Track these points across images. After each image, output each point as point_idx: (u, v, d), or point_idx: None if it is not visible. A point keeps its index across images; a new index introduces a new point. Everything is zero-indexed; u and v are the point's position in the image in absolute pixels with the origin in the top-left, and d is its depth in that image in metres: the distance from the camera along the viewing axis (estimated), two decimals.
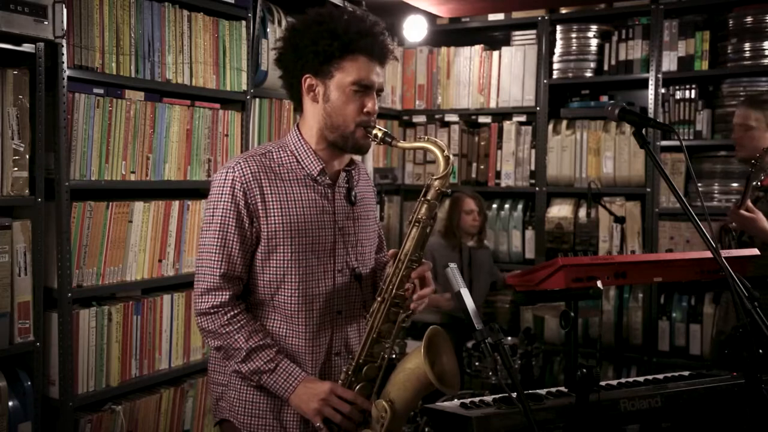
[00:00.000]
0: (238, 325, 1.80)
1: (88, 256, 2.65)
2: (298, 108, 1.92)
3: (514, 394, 1.84)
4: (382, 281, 1.83)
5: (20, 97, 2.40)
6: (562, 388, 2.25)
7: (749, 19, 3.96)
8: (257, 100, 3.44)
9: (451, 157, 1.81)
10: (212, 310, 1.81)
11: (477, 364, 3.63)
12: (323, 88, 1.82)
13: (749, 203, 2.88)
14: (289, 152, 1.87)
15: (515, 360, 3.57)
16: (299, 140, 1.88)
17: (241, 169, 1.80)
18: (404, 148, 1.95)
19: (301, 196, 1.84)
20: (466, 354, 3.67)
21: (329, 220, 1.87)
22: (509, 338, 3.80)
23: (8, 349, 2.40)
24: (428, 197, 1.81)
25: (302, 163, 1.86)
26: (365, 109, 1.81)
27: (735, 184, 4.02)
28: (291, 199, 1.82)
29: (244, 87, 3.32)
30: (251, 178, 1.79)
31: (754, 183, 2.98)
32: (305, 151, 1.86)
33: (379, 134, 1.80)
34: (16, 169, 2.41)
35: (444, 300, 3.91)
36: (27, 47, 2.40)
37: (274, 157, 1.86)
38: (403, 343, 3.61)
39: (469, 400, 2.15)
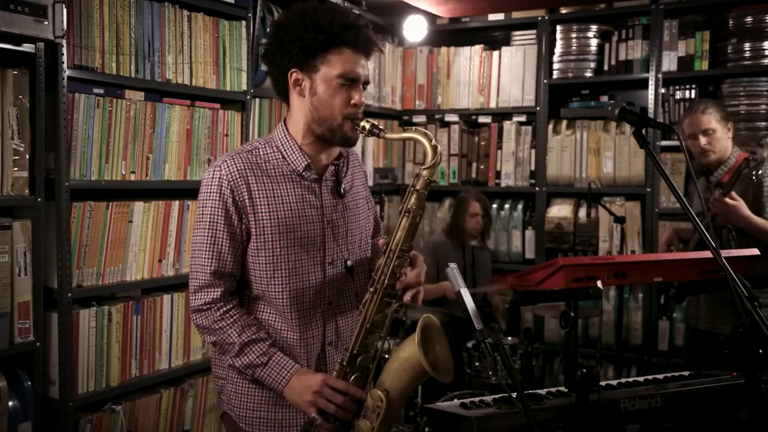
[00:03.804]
0: (231, 320, 1.82)
1: (88, 256, 2.65)
2: (286, 103, 1.93)
3: (514, 394, 1.84)
4: (374, 272, 1.84)
5: (20, 97, 2.40)
6: (562, 388, 2.25)
7: (749, 19, 3.96)
8: (257, 100, 3.44)
9: (438, 146, 1.82)
10: (205, 307, 1.83)
11: (477, 364, 3.63)
12: (309, 82, 1.83)
13: (733, 192, 2.98)
14: (275, 148, 1.89)
15: (515, 360, 3.57)
16: (285, 136, 1.89)
17: (228, 167, 1.82)
18: (392, 139, 1.96)
19: (288, 192, 1.85)
20: (466, 354, 3.67)
21: (317, 215, 1.88)
22: (509, 338, 3.80)
23: (8, 349, 2.40)
24: (417, 187, 1.81)
25: (288, 158, 1.87)
26: (352, 102, 1.82)
27: None
28: (277, 195, 1.84)
29: (244, 87, 3.32)
30: (238, 176, 1.81)
31: (713, 180, 3.16)
32: (291, 146, 1.87)
33: (367, 126, 1.81)
34: (16, 169, 2.41)
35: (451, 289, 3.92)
36: (27, 47, 2.40)
37: (261, 153, 1.87)
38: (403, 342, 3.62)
39: (469, 400, 2.15)
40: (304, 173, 1.87)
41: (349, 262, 1.93)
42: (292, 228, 1.84)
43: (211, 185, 1.82)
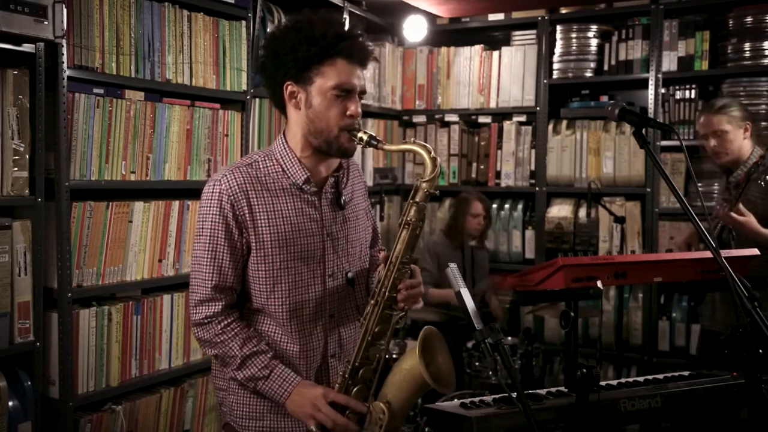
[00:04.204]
0: (232, 333, 1.82)
1: (88, 256, 2.65)
2: (284, 115, 1.92)
3: (514, 394, 1.84)
4: (375, 284, 1.84)
5: (20, 97, 2.40)
6: (562, 388, 2.25)
7: (749, 19, 3.96)
8: (257, 100, 3.44)
9: (438, 159, 1.81)
10: (206, 321, 1.83)
11: (477, 364, 3.63)
12: (305, 95, 1.82)
13: (740, 206, 2.91)
14: (274, 161, 1.88)
15: (515, 360, 3.57)
16: (285, 148, 1.88)
17: (228, 181, 1.81)
18: (390, 151, 1.95)
19: (288, 206, 1.85)
20: (466, 354, 3.67)
21: (317, 228, 1.88)
22: (509, 338, 3.80)
23: (8, 349, 2.40)
24: (417, 199, 1.81)
25: (288, 172, 1.86)
26: (348, 113, 1.81)
27: None
28: (278, 209, 1.83)
29: (244, 87, 3.32)
30: (238, 190, 1.81)
31: (732, 181, 3.09)
32: (290, 159, 1.87)
33: (364, 137, 1.80)
34: (16, 169, 2.41)
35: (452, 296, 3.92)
36: (27, 47, 2.40)
37: (260, 167, 1.87)
38: (403, 343, 3.62)
39: (469, 400, 2.15)
40: (303, 186, 1.86)
41: (349, 274, 1.93)
42: (291, 242, 1.83)
43: (211, 200, 1.82)
